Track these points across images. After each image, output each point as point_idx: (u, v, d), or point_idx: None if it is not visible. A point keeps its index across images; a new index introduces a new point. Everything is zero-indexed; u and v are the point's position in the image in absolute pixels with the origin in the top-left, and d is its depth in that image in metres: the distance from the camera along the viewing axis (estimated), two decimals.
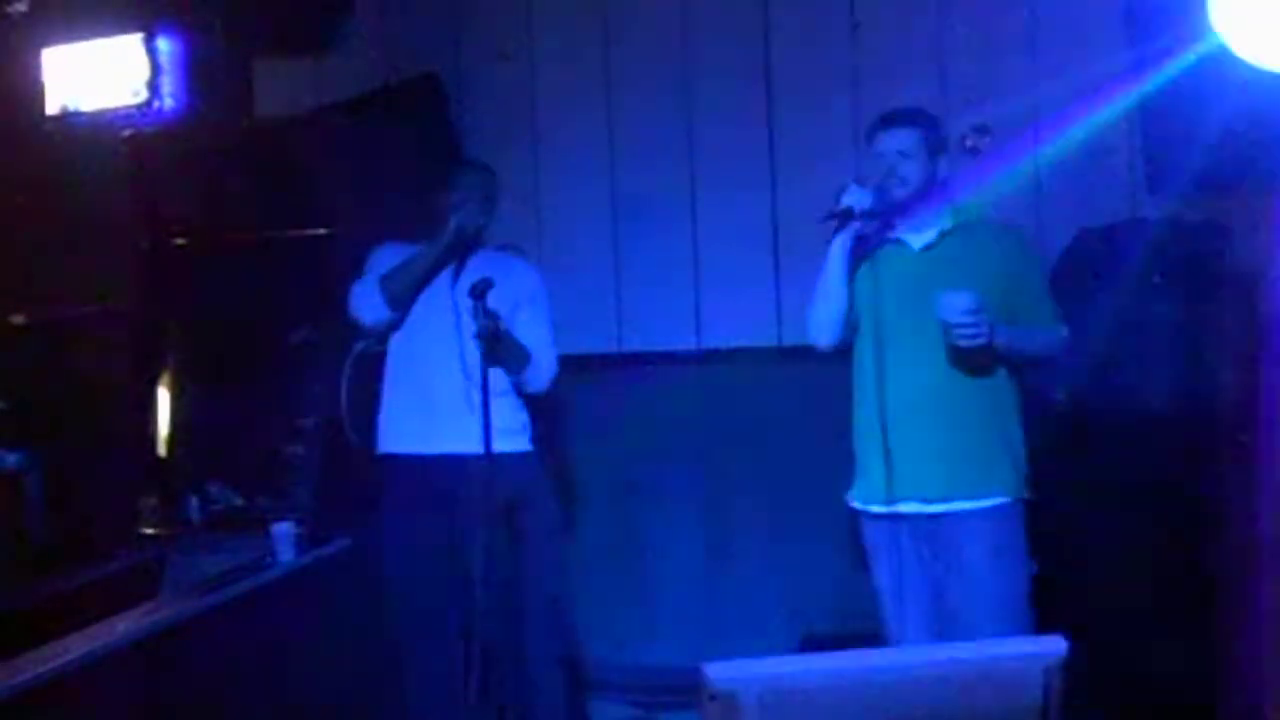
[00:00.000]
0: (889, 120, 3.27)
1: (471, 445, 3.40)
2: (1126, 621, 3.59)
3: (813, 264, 4.57)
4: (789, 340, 4.66)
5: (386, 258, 3.75)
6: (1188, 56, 3.38)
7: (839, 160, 4.55)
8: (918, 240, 3.24)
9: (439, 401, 3.66)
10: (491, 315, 3.36)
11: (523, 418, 3.80)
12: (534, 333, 3.74)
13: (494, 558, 3.40)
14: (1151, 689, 3.57)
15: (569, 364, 3.96)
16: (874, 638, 4.28)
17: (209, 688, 3.37)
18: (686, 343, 4.79)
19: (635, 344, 4.85)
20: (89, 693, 3.05)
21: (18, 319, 4.78)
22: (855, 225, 3.15)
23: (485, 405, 3.30)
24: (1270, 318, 3.76)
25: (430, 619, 3.68)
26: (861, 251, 3.21)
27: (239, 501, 4.22)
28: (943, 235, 3.22)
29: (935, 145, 3.24)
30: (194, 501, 4.18)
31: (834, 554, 4.49)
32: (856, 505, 3.32)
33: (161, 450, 4.34)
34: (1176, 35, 3.42)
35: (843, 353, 4.49)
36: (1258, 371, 3.66)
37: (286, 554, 3.80)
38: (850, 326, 3.26)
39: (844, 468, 4.48)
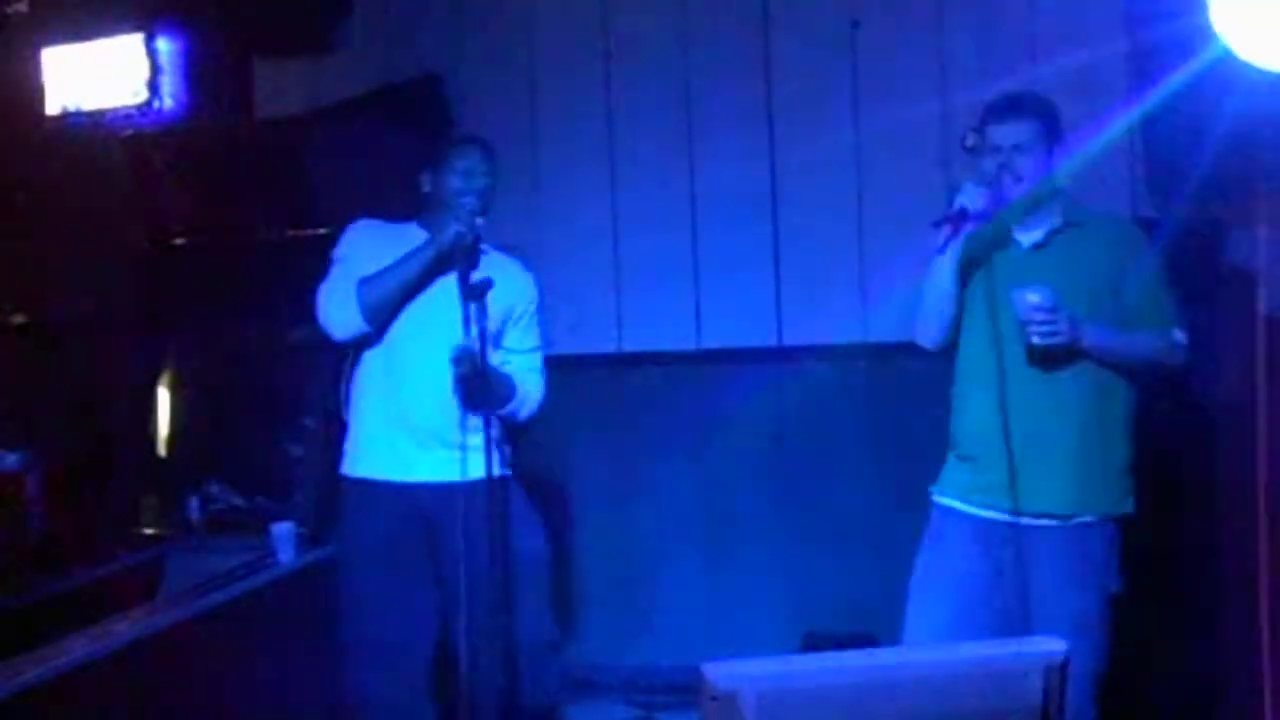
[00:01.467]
0: (1004, 111, 3.05)
1: (454, 473, 3.21)
2: (1128, 622, 3.59)
3: (813, 264, 4.63)
4: (789, 340, 4.67)
5: (363, 242, 3.41)
6: (1189, 59, 3.38)
7: (839, 160, 4.56)
8: (1027, 238, 3.08)
9: (429, 426, 3.34)
10: (469, 351, 3.09)
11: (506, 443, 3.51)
12: (523, 350, 3.46)
13: (478, 590, 3.13)
14: (1152, 690, 3.57)
15: (569, 364, 3.95)
16: (874, 638, 4.30)
17: (209, 688, 3.37)
18: (686, 343, 4.79)
19: (635, 344, 4.84)
20: (89, 693, 3.06)
21: (18, 319, 4.78)
22: (968, 228, 2.98)
23: (486, 424, 3.08)
24: (1270, 318, 3.77)
25: (401, 653, 3.41)
26: (977, 249, 3.04)
27: (239, 501, 4.23)
28: (1053, 233, 3.06)
29: (1053, 136, 3.04)
30: (194, 501, 4.18)
31: (834, 554, 4.50)
32: (952, 503, 3.12)
33: (161, 450, 4.34)
34: (1177, 36, 3.42)
35: (841, 353, 4.54)
36: (1258, 371, 3.66)
37: (286, 554, 3.81)
38: (956, 329, 3.11)
39: (843, 467, 4.51)
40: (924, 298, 3.11)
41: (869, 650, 4.04)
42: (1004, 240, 3.08)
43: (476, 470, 3.11)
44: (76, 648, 3.12)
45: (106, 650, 3.15)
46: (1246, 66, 3.25)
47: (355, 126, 4.58)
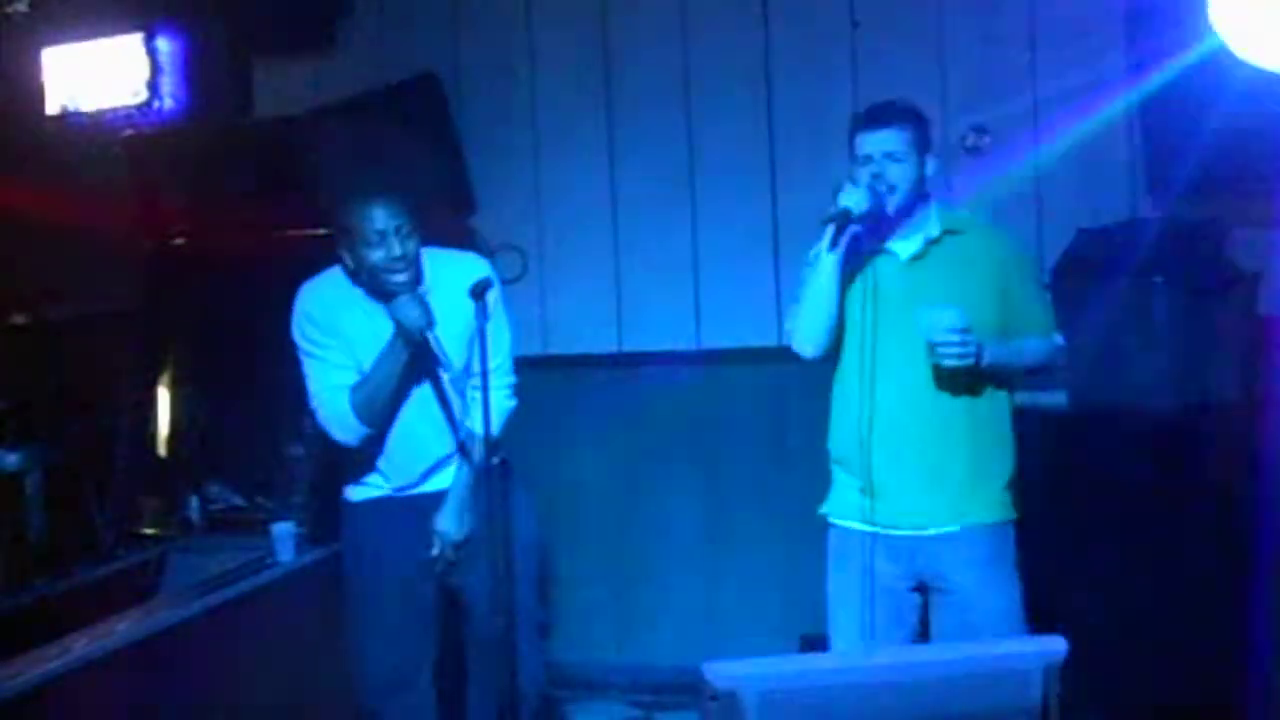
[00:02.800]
0: (874, 119, 2.98)
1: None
2: (1129, 622, 3.60)
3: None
4: (789, 340, 4.66)
5: (321, 324, 3.29)
6: (1188, 56, 3.38)
7: (839, 160, 4.54)
8: (904, 249, 3.00)
9: (425, 446, 3.35)
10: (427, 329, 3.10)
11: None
12: (493, 367, 3.18)
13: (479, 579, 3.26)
14: (1153, 690, 3.57)
15: (569, 364, 3.95)
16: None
17: (209, 688, 3.38)
18: (686, 343, 4.79)
19: (635, 344, 4.84)
20: (89, 693, 3.06)
21: (18, 319, 4.78)
22: (853, 229, 2.91)
23: (485, 410, 3.05)
24: (1270, 318, 3.77)
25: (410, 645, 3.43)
26: (853, 260, 2.97)
27: (239, 501, 4.22)
28: (930, 244, 2.98)
29: (924, 144, 2.98)
30: (194, 501, 4.18)
31: None
32: (832, 520, 3.14)
33: (161, 450, 4.34)
34: (1176, 35, 3.43)
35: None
36: (1258, 371, 3.66)
37: (286, 554, 3.80)
38: (834, 336, 3.04)
39: None
40: (802, 301, 3.03)
41: (869, 650, 4.06)
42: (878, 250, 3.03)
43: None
44: (76, 648, 3.12)
45: (106, 650, 3.15)
46: (1246, 66, 3.25)
47: (355, 126, 4.57)
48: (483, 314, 3.06)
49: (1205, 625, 3.53)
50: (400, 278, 3.16)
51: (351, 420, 3.24)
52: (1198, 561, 3.57)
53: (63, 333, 4.78)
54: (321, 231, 4.10)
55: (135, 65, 4.63)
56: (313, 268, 3.45)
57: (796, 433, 4.61)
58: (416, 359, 3.22)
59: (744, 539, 4.67)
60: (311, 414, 3.39)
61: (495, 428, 3.20)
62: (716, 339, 4.76)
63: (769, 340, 4.68)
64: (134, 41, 4.63)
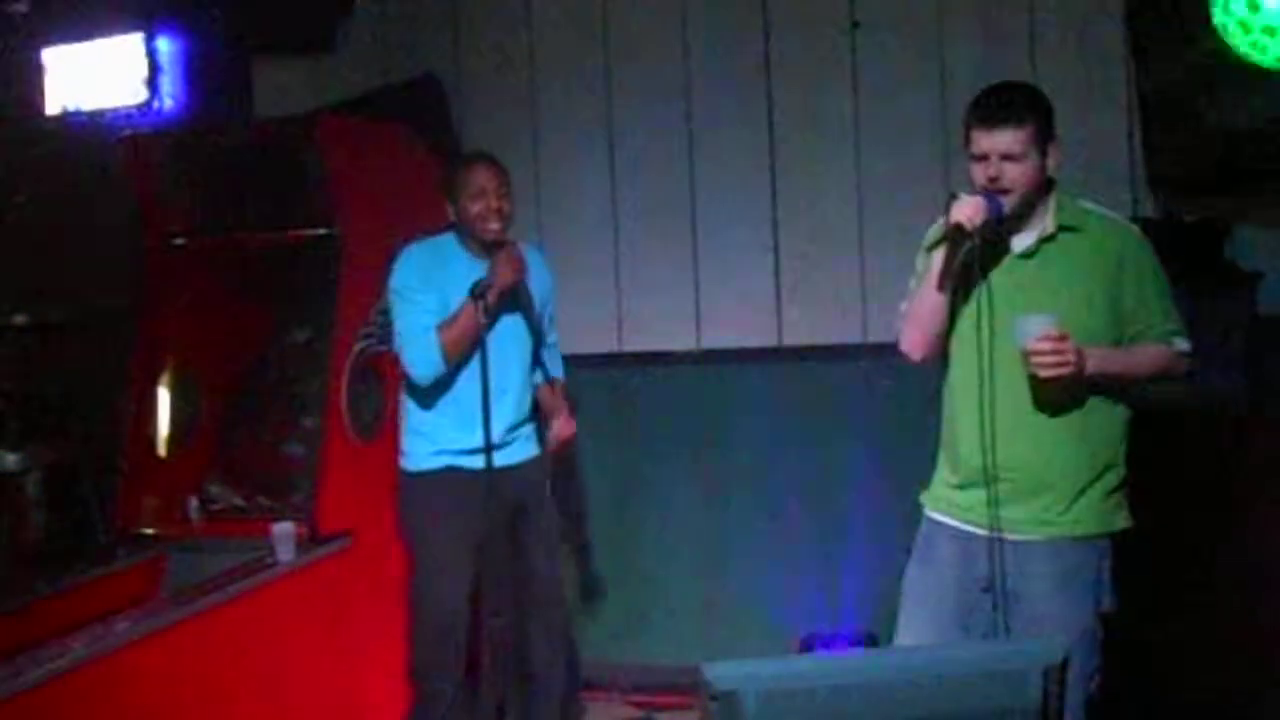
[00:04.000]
0: (989, 117, 2.75)
1: (514, 456, 3.66)
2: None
3: (813, 264, 4.63)
4: (789, 340, 4.67)
5: (415, 270, 3.59)
6: (1188, 56, 3.39)
7: (839, 160, 4.56)
8: (1017, 245, 2.84)
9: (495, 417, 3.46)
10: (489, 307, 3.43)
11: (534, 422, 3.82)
12: (551, 341, 3.84)
13: (501, 560, 3.53)
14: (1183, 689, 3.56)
15: (569, 364, 3.96)
16: (874, 638, 4.30)
17: (208, 688, 3.38)
18: (686, 343, 4.79)
19: (635, 344, 4.85)
20: (89, 693, 3.06)
21: (18, 319, 4.78)
22: (969, 245, 2.70)
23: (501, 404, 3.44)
24: (1270, 318, 3.77)
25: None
26: (968, 269, 2.76)
27: (239, 501, 4.22)
28: (1042, 240, 2.82)
29: (1046, 136, 2.76)
30: (194, 501, 4.18)
31: (834, 554, 4.50)
32: (930, 512, 3.02)
33: (161, 450, 4.34)
34: (1176, 35, 3.43)
35: (841, 353, 4.54)
36: (1258, 371, 3.66)
37: (286, 554, 3.80)
38: (943, 343, 2.91)
39: (843, 467, 4.51)
40: (913, 310, 2.92)
41: (869, 650, 4.06)
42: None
43: (520, 451, 3.70)
44: (76, 648, 3.12)
45: (106, 650, 3.15)
46: (1247, 65, 3.25)
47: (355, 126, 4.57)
48: (485, 312, 3.37)
49: (1205, 625, 3.53)
50: (494, 226, 3.53)
51: (435, 350, 3.49)
52: (1199, 561, 3.57)
53: (63, 333, 4.78)
54: (321, 231, 4.12)
55: (135, 65, 4.63)
56: (312, 268, 3.47)
57: (796, 433, 4.61)
58: (505, 317, 3.58)
59: (744, 539, 4.67)
60: (311, 414, 3.41)
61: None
62: (716, 339, 4.76)
63: (769, 340, 4.69)
64: (134, 41, 4.63)
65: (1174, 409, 3.62)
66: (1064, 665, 1.98)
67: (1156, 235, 3.47)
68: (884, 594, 3.92)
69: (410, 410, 3.67)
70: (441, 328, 3.49)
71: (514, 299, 3.60)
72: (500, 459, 3.50)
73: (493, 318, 3.48)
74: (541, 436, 3.80)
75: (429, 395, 3.60)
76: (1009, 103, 2.77)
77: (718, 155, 4.73)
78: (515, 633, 3.67)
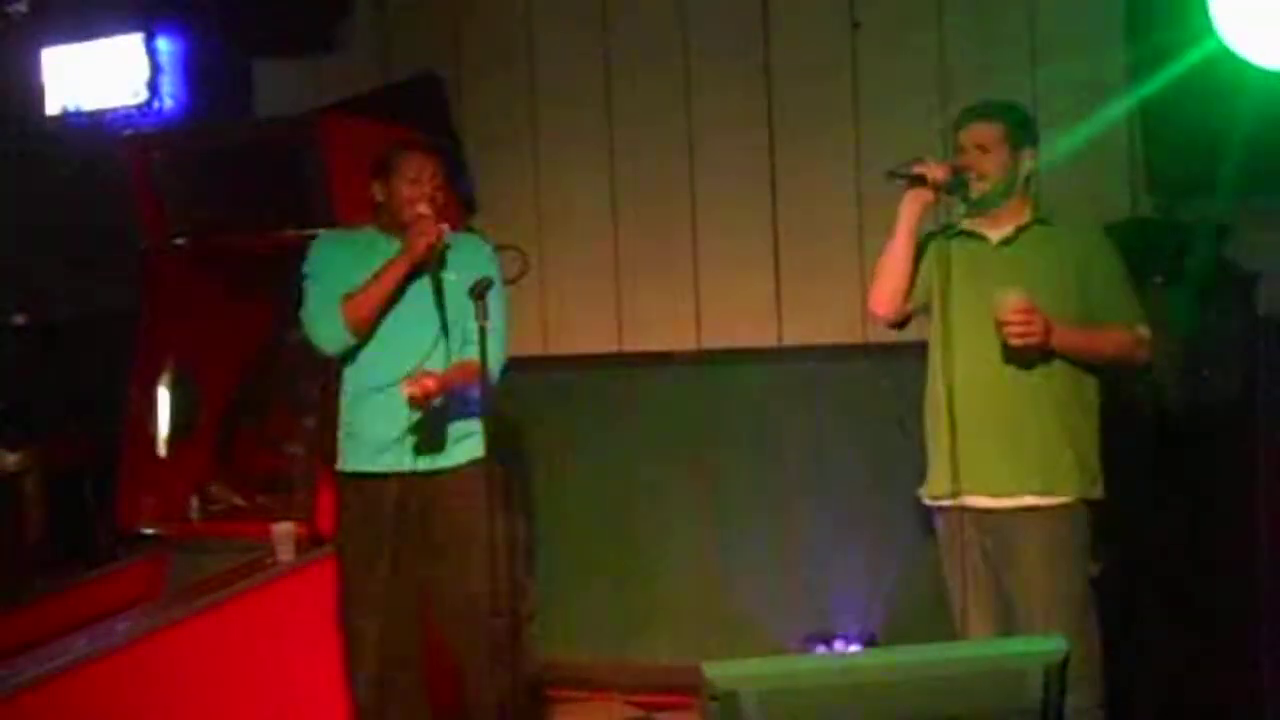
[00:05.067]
0: (967, 112, 3.25)
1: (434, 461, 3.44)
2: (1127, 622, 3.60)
3: (813, 264, 4.63)
4: (789, 340, 4.66)
5: (330, 256, 3.53)
6: (1188, 56, 3.39)
7: (839, 160, 4.56)
8: (996, 235, 3.22)
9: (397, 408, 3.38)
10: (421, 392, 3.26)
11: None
12: (497, 318, 3.37)
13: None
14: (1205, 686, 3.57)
15: (569, 364, 3.95)
16: (875, 638, 4.30)
17: (208, 688, 3.38)
18: (686, 343, 4.79)
19: (635, 344, 4.84)
20: (89, 693, 3.06)
21: (18, 319, 4.78)
22: (925, 195, 3.15)
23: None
24: (1270, 318, 3.77)
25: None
26: (947, 243, 3.20)
27: (239, 501, 4.23)
28: (1020, 230, 3.20)
29: (1020, 140, 3.20)
30: (194, 501, 4.18)
31: (834, 554, 4.50)
32: (926, 501, 3.28)
33: (161, 450, 4.34)
34: (1176, 35, 3.42)
35: (841, 353, 4.54)
36: (1258, 371, 3.66)
37: (286, 554, 3.80)
38: (913, 307, 3.26)
39: (843, 467, 4.51)
40: (879, 263, 3.26)
41: (869, 650, 4.06)
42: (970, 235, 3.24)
43: (454, 456, 3.45)
44: (76, 648, 3.12)
45: (106, 650, 3.15)
46: (1247, 66, 3.25)
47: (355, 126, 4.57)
48: (484, 313, 3.13)
49: (1204, 626, 3.53)
50: (422, 209, 3.44)
51: (337, 318, 3.40)
52: (1199, 562, 3.57)
53: (63, 333, 4.78)
54: (321, 231, 4.11)
55: (135, 65, 4.63)
56: None
57: (796, 433, 4.61)
58: (416, 304, 3.42)
59: (743, 539, 4.67)
60: (311, 414, 3.39)
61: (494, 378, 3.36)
62: (716, 339, 4.76)
63: (769, 340, 4.69)
64: (134, 41, 4.64)
65: (1174, 409, 3.64)
66: (1064, 665, 1.98)
67: (1156, 235, 3.50)
68: (884, 594, 3.92)
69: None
70: (345, 297, 3.41)
71: (434, 287, 3.42)
72: (413, 461, 3.42)
73: (401, 288, 3.41)
74: (485, 443, 3.33)
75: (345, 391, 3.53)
76: (985, 103, 3.28)
77: (718, 155, 4.73)
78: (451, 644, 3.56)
